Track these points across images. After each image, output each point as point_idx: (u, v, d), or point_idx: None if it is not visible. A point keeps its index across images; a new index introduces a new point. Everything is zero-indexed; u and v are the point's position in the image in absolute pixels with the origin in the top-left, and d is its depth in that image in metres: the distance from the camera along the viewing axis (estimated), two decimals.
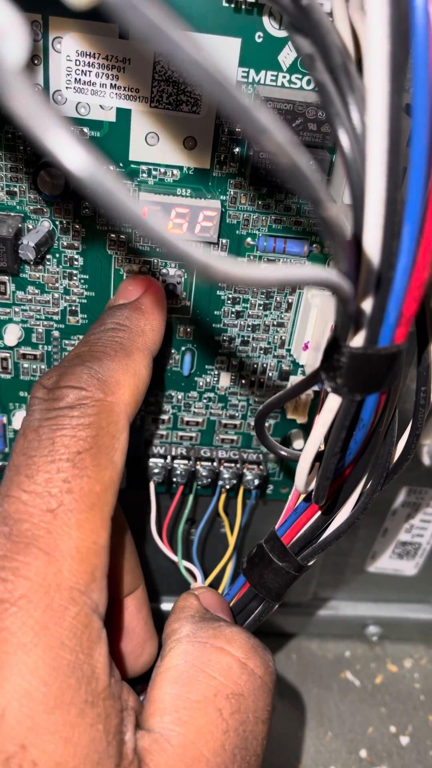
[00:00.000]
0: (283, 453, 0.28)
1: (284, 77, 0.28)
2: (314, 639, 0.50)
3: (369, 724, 0.46)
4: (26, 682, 0.20)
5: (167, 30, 0.09)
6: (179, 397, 0.36)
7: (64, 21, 0.26)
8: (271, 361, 0.35)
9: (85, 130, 0.29)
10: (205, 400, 0.36)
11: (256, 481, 0.37)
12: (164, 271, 0.32)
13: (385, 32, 0.15)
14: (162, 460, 0.37)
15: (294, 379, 0.36)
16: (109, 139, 0.29)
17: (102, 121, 0.28)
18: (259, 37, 0.27)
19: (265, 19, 0.27)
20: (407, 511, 0.44)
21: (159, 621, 0.34)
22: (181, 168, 0.30)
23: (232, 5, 0.26)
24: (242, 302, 0.33)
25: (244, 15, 0.26)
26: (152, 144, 0.29)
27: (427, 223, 0.18)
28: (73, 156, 0.10)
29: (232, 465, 0.37)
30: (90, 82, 0.27)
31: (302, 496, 0.27)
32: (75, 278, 0.32)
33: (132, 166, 0.29)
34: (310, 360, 0.34)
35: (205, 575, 0.38)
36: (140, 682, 0.33)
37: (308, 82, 0.28)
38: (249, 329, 0.34)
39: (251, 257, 0.32)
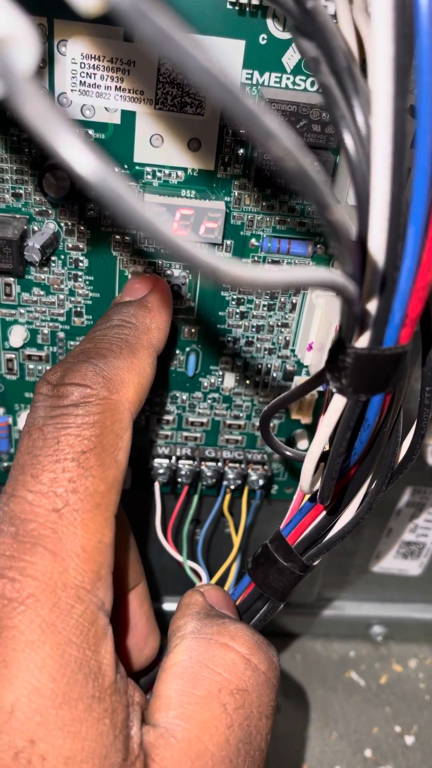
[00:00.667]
0: (288, 453, 0.28)
1: (288, 79, 0.28)
2: (319, 639, 0.50)
3: (374, 724, 0.46)
4: (35, 678, 0.20)
5: (176, 37, 0.10)
6: (184, 397, 0.36)
7: (69, 24, 0.26)
8: (275, 361, 0.35)
9: (90, 132, 0.29)
10: (209, 401, 0.36)
11: (261, 482, 0.37)
12: (169, 272, 0.32)
13: (390, 36, 0.15)
14: (167, 461, 0.37)
15: (298, 380, 0.36)
16: (114, 141, 0.29)
17: (107, 123, 0.28)
18: (263, 39, 0.27)
19: (269, 22, 0.27)
20: (412, 510, 0.44)
21: (164, 621, 0.34)
22: (185, 169, 0.30)
23: (237, 7, 0.26)
24: (247, 303, 0.33)
25: (248, 17, 0.26)
26: (157, 146, 0.29)
27: None
28: (83, 161, 0.10)
29: (237, 465, 0.37)
30: (95, 84, 0.28)
31: (307, 496, 0.27)
32: (80, 280, 0.32)
33: (137, 167, 0.30)
34: (315, 360, 0.34)
35: (210, 575, 0.38)
36: (143, 676, 0.33)
37: (312, 84, 0.28)
38: (253, 330, 0.34)
39: (255, 258, 0.32)
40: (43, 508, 0.22)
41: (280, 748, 0.43)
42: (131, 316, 0.28)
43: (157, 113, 0.28)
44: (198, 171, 0.30)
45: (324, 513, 0.27)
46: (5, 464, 0.38)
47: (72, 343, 0.34)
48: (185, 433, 0.37)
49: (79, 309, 0.33)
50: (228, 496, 0.38)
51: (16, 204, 0.30)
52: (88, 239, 0.31)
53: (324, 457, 0.24)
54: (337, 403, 0.21)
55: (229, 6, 0.26)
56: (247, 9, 0.26)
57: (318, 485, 0.25)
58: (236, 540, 0.38)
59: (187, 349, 0.35)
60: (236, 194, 0.30)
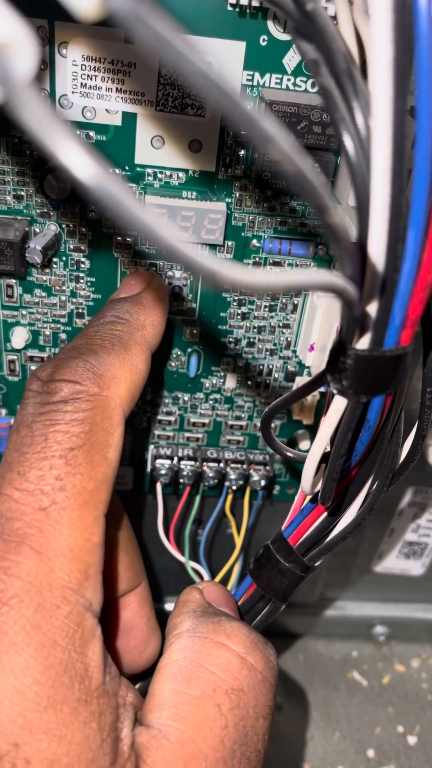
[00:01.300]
0: (289, 454, 0.28)
1: (289, 80, 0.28)
2: (321, 639, 0.50)
3: (376, 724, 0.46)
4: (18, 681, 0.20)
5: (174, 41, 0.10)
6: (186, 398, 0.36)
7: (69, 26, 0.26)
8: (277, 362, 0.35)
9: (91, 134, 0.29)
10: (211, 402, 0.36)
11: (263, 482, 0.37)
12: (170, 273, 0.32)
13: (389, 38, 0.15)
14: (169, 461, 0.37)
15: (300, 380, 0.36)
16: (115, 143, 0.29)
17: (108, 125, 0.29)
18: (264, 40, 0.27)
19: (270, 23, 0.27)
20: (414, 511, 0.44)
21: (166, 620, 0.34)
22: (186, 171, 0.30)
23: (237, 9, 0.26)
24: (248, 304, 0.33)
25: (248, 19, 0.26)
26: (158, 147, 0.29)
27: None
28: (82, 166, 0.10)
29: (239, 466, 0.37)
30: (96, 86, 0.28)
31: (308, 497, 0.27)
32: (81, 281, 0.32)
33: (138, 169, 0.30)
34: (316, 361, 0.34)
35: (212, 576, 0.38)
36: (144, 678, 0.33)
37: (313, 85, 0.28)
38: (255, 331, 0.34)
39: (257, 259, 0.32)
40: (29, 506, 0.22)
41: (282, 748, 0.43)
42: (125, 313, 0.28)
43: (158, 115, 0.28)
44: (199, 172, 0.30)
45: (325, 514, 0.27)
46: None
47: None
48: (187, 434, 0.38)
49: (80, 310, 0.33)
50: (230, 497, 0.38)
51: (18, 206, 0.30)
52: (90, 241, 0.31)
53: (325, 458, 0.24)
54: (338, 404, 0.21)
55: (229, 8, 0.26)
56: (248, 11, 0.26)
57: (319, 486, 0.25)
58: (238, 540, 0.38)
59: (189, 350, 0.35)
60: (237, 195, 0.30)
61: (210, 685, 0.24)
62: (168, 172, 0.30)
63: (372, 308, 0.19)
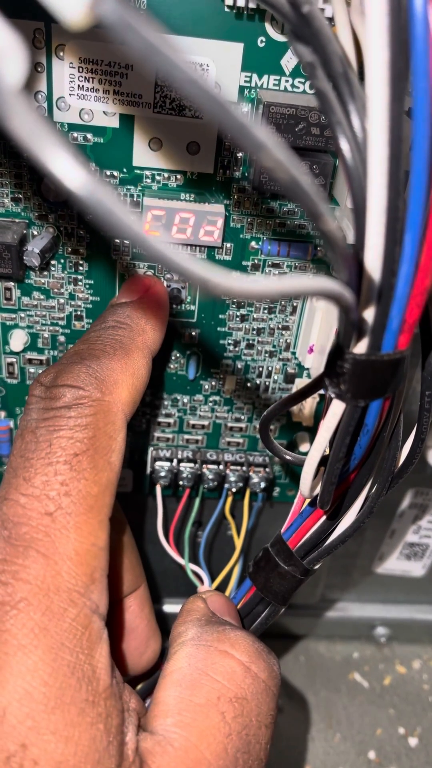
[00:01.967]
0: (288, 458, 0.28)
1: (287, 81, 0.28)
2: (322, 640, 0.50)
3: (378, 726, 0.46)
4: (26, 682, 0.20)
5: (163, 49, 0.09)
6: (185, 400, 0.36)
7: (61, 25, 0.26)
8: (276, 364, 0.35)
9: (89, 136, 0.29)
10: (210, 404, 0.36)
11: (263, 484, 0.37)
12: (168, 275, 0.32)
13: (385, 41, 0.15)
14: (168, 464, 0.37)
15: (299, 382, 0.36)
16: (112, 145, 0.29)
17: (105, 127, 0.28)
18: (262, 41, 0.27)
19: (267, 25, 0.27)
20: (414, 512, 0.44)
21: (166, 623, 0.34)
22: (184, 173, 0.30)
23: (234, 11, 0.26)
24: (247, 306, 0.33)
25: (245, 21, 0.26)
26: (155, 149, 0.29)
27: (429, 230, 0.18)
28: (72, 175, 0.10)
29: (239, 468, 0.37)
30: (93, 88, 0.27)
31: (307, 501, 0.27)
32: (80, 283, 0.32)
33: (135, 171, 0.29)
34: (315, 363, 0.34)
35: (212, 578, 0.38)
36: (143, 680, 0.33)
37: (311, 87, 0.28)
38: (254, 333, 0.34)
39: (255, 260, 0.32)
40: (36, 511, 0.22)
41: (283, 750, 0.43)
42: (126, 317, 0.28)
43: (156, 117, 0.28)
44: (197, 174, 0.30)
45: (324, 517, 0.27)
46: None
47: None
48: (186, 436, 0.37)
49: (79, 313, 0.33)
50: (230, 499, 0.38)
51: (15, 208, 0.30)
52: (88, 243, 0.31)
53: (324, 461, 0.24)
54: (336, 408, 0.21)
55: (226, 9, 0.26)
56: (245, 12, 0.26)
57: (318, 490, 0.25)
58: (238, 542, 0.38)
59: (188, 352, 0.35)
60: (236, 197, 0.30)
61: (214, 693, 0.24)
62: (166, 174, 0.30)
63: (369, 313, 0.19)
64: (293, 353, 0.35)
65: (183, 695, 0.24)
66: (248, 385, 0.36)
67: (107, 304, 0.33)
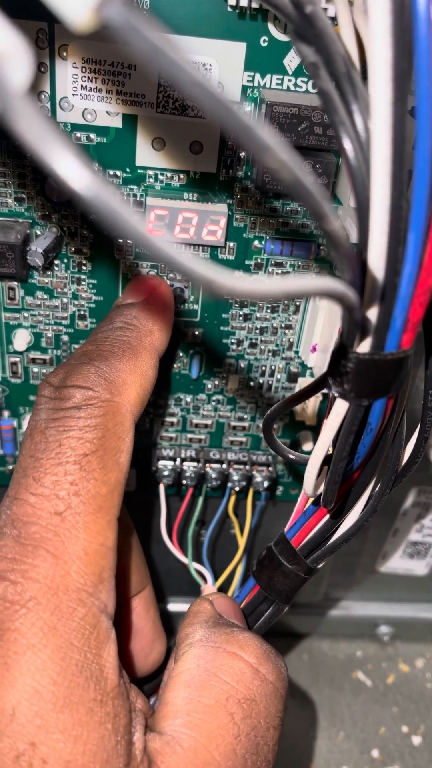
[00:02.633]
0: (291, 457, 0.28)
1: (290, 81, 0.28)
2: (325, 639, 0.50)
3: (381, 724, 0.46)
4: (35, 681, 0.20)
5: (169, 52, 0.10)
6: (188, 399, 0.36)
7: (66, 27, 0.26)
8: (279, 363, 0.35)
9: (92, 136, 0.29)
10: (213, 403, 0.36)
11: (266, 483, 0.37)
12: (171, 275, 0.32)
13: (388, 42, 0.15)
14: (171, 463, 0.37)
15: (302, 381, 0.36)
16: (115, 145, 0.29)
17: (108, 127, 0.28)
18: (264, 41, 0.27)
19: (270, 25, 0.27)
20: (417, 511, 0.44)
21: (169, 622, 0.34)
22: (187, 172, 0.30)
23: (237, 10, 0.26)
24: (250, 305, 0.33)
25: (248, 20, 0.26)
26: (158, 149, 0.29)
27: None
28: (77, 176, 0.10)
29: (242, 467, 0.37)
30: (96, 88, 0.28)
31: (311, 500, 0.27)
32: (83, 283, 0.32)
33: (139, 171, 0.30)
34: (319, 362, 0.34)
35: (215, 577, 0.38)
36: (148, 682, 0.33)
37: (314, 86, 0.28)
38: (257, 332, 0.34)
39: (259, 260, 0.32)
40: (45, 511, 0.22)
41: (286, 748, 0.43)
42: (133, 318, 0.28)
43: (159, 117, 0.28)
44: (200, 174, 0.30)
45: (328, 516, 0.27)
46: (11, 467, 0.38)
47: (76, 346, 0.34)
48: (190, 435, 0.38)
49: (82, 312, 0.33)
50: (233, 498, 0.38)
51: (19, 208, 0.30)
52: (91, 243, 0.31)
53: (327, 460, 0.24)
54: (340, 407, 0.21)
55: (229, 9, 0.26)
56: (247, 12, 0.26)
57: (321, 489, 0.25)
58: (241, 541, 0.38)
59: (191, 351, 0.35)
60: (238, 197, 0.30)
61: (223, 695, 0.24)
62: (169, 174, 0.30)
63: (373, 312, 0.19)
64: (296, 352, 0.35)
65: (192, 696, 0.24)
66: (251, 384, 0.36)
67: (112, 304, 0.33)
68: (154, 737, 0.23)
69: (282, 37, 0.27)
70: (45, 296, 0.33)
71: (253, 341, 0.34)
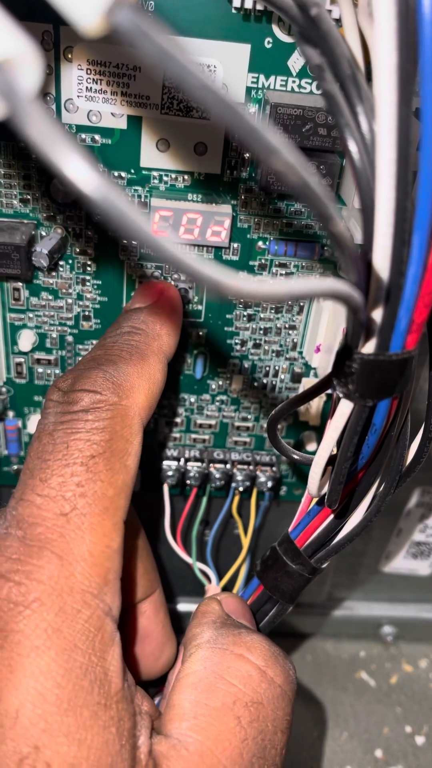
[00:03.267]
0: (296, 457, 0.28)
1: (294, 82, 0.28)
2: (329, 639, 0.50)
3: (384, 724, 0.46)
4: (39, 684, 0.20)
5: (177, 56, 0.10)
6: (192, 400, 0.36)
7: (74, 31, 0.26)
8: (283, 363, 0.35)
9: (97, 137, 0.29)
10: (217, 403, 0.36)
11: (270, 483, 0.37)
12: (176, 275, 0.32)
13: (393, 45, 0.15)
14: (175, 463, 0.37)
15: (306, 381, 0.36)
16: (120, 146, 0.29)
17: (113, 128, 0.29)
18: (269, 42, 0.27)
19: (274, 26, 0.27)
20: (421, 511, 0.44)
21: (174, 622, 0.34)
22: (192, 173, 0.30)
23: (241, 12, 0.26)
24: (254, 306, 0.33)
25: (253, 23, 0.26)
26: (163, 150, 0.29)
27: None
28: (86, 179, 0.10)
29: (245, 467, 0.38)
30: (101, 90, 0.28)
31: (315, 500, 0.27)
32: (88, 284, 0.33)
33: (143, 172, 0.30)
34: (323, 362, 0.34)
35: (219, 577, 0.38)
36: (158, 685, 0.33)
37: (318, 87, 0.28)
38: (261, 332, 0.34)
39: (263, 260, 0.32)
40: (51, 511, 0.22)
41: (290, 748, 0.43)
42: (141, 323, 0.28)
43: (163, 118, 0.28)
44: (204, 175, 0.30)
45: (332, 516, 0.27)
46: (15, 467, 0.38)
47: (80, 346, 0.34)
48: (194, 435, 0.38)
49: (87, 313, 0.33)
50: (237, 498, 0.38)
51: (24, 209, 0.30)
52: (96, 244, 0.31)
53: (332, 461, 0.24)
54: (344, 408, 0.21)
55: (233, 11, 0.26)
56: (252, 14, 0.26)
57: (326, 489, 0.25)
58: (245, 541, 0.38)
59: (195, 351, 0.35)
60: (243, 198, 0.30)
61: (230, 697, 0.24)
62: (173, 175, 0.30)
63: (378, 313, 0.19)
64: (300, 353, 0.35)
65: (198, 699, 0.24)
66: (255, 384, 0.36)
67: (118, 306, 0.33)
68: (160, 740, 0.23)
69: (286, 39, 0.27)
70: (50, 297, 0.33)
71: (257, 342, 0.35)
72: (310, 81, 0.28)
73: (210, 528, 0.40)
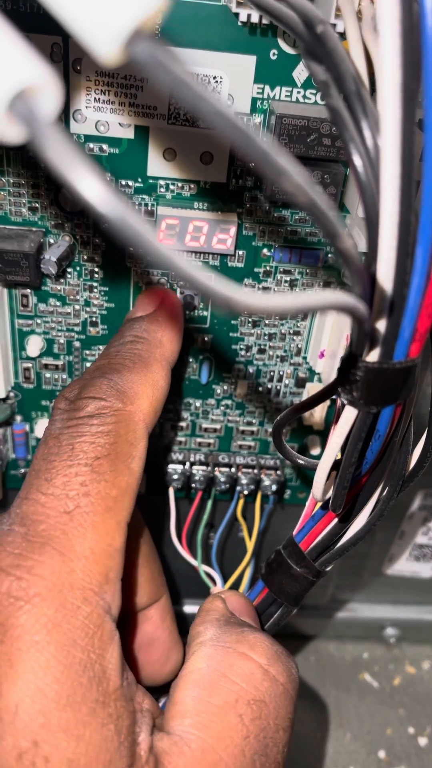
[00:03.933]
0: (300, 462, 0.29)
1: (299, 92, 0.28)
2: (332, 641, 0.51)
3: (387, 726, 0.46)
4: (39, 679, 0.20)
5: (192, 84, 0.10)
6: (197, 404, 0.37)
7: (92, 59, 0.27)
8: (287, 368, 0.36)
9: (105, 147, 0.29)
10: (222, 407, 0.37)
11: (274, 487, 0.38)
12: (181, 282, 0.33)
13: (397, 63, 0.16)
14: (181, 466, 0.38)
15: (310, 386, 0.36)
16: (127, 156, 0.29)
17: (121, 138, 0.29)
18: (274, 54, 0.27)
19: (279, 40, 0.27)
20: (424, 514, 0.45)
21: (179, 624, 0.34)
22: (198, 182, 0.30)
23: (247, 27, 0.27)
24: None
25: (258, 36, 0.27)
26: (170, 159, 0.30)
27: None
28: (104, 200, 0.11)
29: (250, 470, 0.38)
30: (109, 101, 0.28)
31: (319, 504, 0.28)
32: (95, 290, 0.33)
33: (150, 181, 0.30)
34: (326, 368, 0.34)
35: (224, 579, 0.38)
36: (165, 691, 0.33)
37: (322, 99, 0.28)
38: (266, 338, 0.35)
39: (267, 267, 0.33)
40: (54, 509, 0.23)
41: (293, 749, 0.44)
42: (143, 331, 0.29)
43: (170, 128, 0.29)
44: (210, 184, 0.30)
45: (336, 520, 0.28)
46: (22, 470, 0.39)
47: (87, 352, 0.35)
48: (199, 439, 0.38)
49: (94, 319, 0.34)
50: (241, 501, 0.39)
51: (33, 217, 0.31)
52: (103, 251, 0.32)
53: (336, 465, 0.24)
54: (348, 414, 0.22)
55: (239, 24, 0.27)
56: (258, 28, 0.27)
57: (330, 493, 0.26)
58: (250, 544, 0.39)
59: (201, 357, 0.35)
60: (248, 206, 0.31)
61: (233, 695, 0.24)
62: (180, 184, 0.30)
63: (382, 323, 0.19)
64: (304, 358, 0.35)
65: (201, 696, 0.24)
66: (260, 389, 0.36)
67: (124, 312, 0.33)
68: (162, 737, 0.23)
69: (291, 51, 0.27)
70: (58, 303, 0.33)
71: (262, 347, 0.35)
72: (314, 92, 0.28)
73: (215, 531, 0.41)
